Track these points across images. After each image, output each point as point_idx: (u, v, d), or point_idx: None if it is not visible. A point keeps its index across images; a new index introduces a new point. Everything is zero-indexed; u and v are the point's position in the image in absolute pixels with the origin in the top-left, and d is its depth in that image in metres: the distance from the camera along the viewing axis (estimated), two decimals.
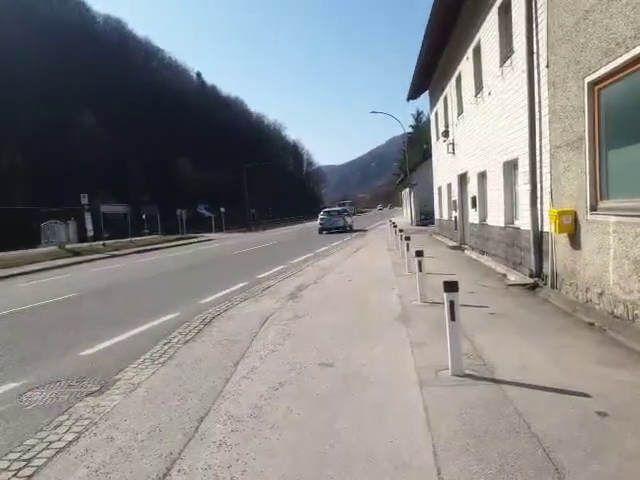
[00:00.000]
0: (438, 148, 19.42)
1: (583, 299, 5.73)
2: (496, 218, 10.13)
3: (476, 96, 11.44)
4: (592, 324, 5.06)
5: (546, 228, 6.99)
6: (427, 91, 21.26)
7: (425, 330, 5.32)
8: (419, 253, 7.03)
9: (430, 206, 24.93)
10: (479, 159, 11.56)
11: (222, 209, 50.91)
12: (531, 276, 7.54)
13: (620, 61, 4.63)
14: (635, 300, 4.54)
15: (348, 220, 32.20)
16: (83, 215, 26.68)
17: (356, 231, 30.29)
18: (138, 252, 25.43)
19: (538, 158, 7.23)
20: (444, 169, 17.97)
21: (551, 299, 6.44)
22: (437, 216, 21.55)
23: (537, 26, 6.90)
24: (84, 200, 25.57)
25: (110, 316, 7.78)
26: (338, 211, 33.16)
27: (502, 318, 5.67)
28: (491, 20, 9.59)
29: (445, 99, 16.50)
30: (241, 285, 9.87)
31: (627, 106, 4.77)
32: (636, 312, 4.53)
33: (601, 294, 5.26)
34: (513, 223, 9.08)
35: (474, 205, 12.33)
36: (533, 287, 7.26)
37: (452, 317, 3.74)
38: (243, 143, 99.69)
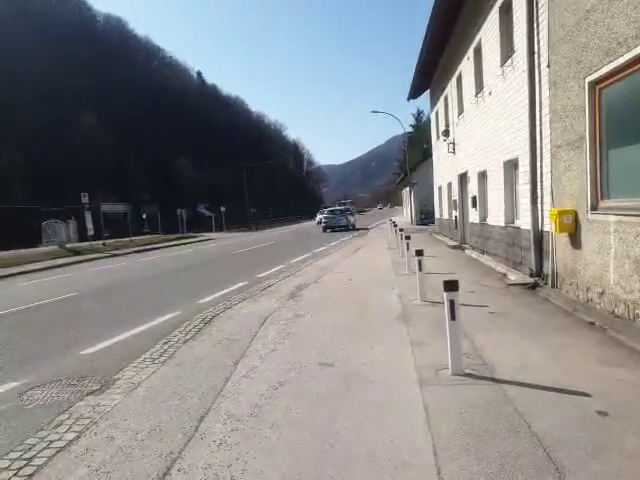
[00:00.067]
0: (438, 147, 19.41)
1: (584, 298, 5.73)
2: (496, 217, 10.13)
3: (477, 95, 11.43)
4: (593, 323, 5.06)
5: (546, 228, 6.99)
6: (428, 91, 21.24)
7: (425, 329, 5.31)
8: (419, 252, 7.03)
9: (430, 205, 24.93)
10: (479, 158, 11.55)
11: (222, 208, 50.93)
12: (531, 275, 7.54)
13: (621, 61, 4.62)
14: (636, 299, 4.54)
15: (351, 219, 32.90)
16: (83, 214, 26.68)
17: (359, 229, 30.88)
18: (138, 251, 25.44)
19: (539, 158, 7.22)
20: (444, 168, 17.96)
21: (551, 298, 6.44)
22: (437, 215, 21.55)
23: (538, 26, 6.90)
24: (84, 199, 25.58)
25: (110, 315, 7.78)
26: (341, 210, 33.88)
27: (502, 317, 5.66)
28: (492, 20, 9.58)
29: (446, 98, 16.48)
30: (241, 285, 9.87)
31: (628, 106, 4.77)
32: (637, 311, 4.53)
33: (602, 293, 5.26)
34: (513, 222, 9.07)
35: (474, 204, 12.33)
36: (533, 286, 7.26)
37: (452, 316, 3.74)
38: (243, 143, 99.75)
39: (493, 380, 3.68)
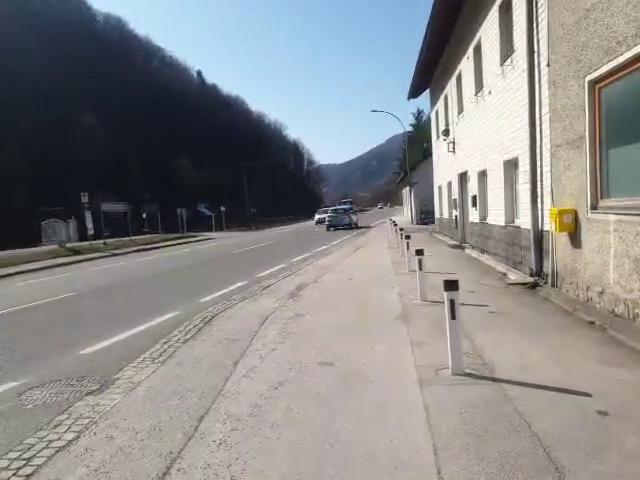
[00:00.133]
0: (438, 147, 19.40)
1: (583, 298, 5.72)
2: (496, 217, 10.12)
3: (476, 95, 11.42)
4: (592, 323, 5.06)
5: (546, 227, 6.98)
6: (427, 90, 21.23)
7: (425, 329, 5.31)
8: (419, 252, 7.02)
9: (430, 205, 24.92)
10: (479, 158, 11.54)
11: (222, 208, 50.93)
12: (531, 275, 7.53)
13: (621, 60, 4.61)
14: (635, 299, 4.53)
15: (354, 218, 33.78)
16: (83, 214, 26.70)
17: (361, 228, 31.61)
18: (138, 251, 25.45)
19: (539, 157, 7.22)
20: (444, 168, 17.96)
21: (551, 298, 6.43)
22: (437, 215, 21.55)
23: (538, 25, 6.89)
24: (84, 199, 25.58)
25: (110, 315, 7.78)
26: (345, 209, 35.09)
27: (502, 317, 5.66)
28: (492, 19, 9.57)
29: (445, 98, 16.48)
30: (241, 284, 9.86)
31: (628, 105, 4.76)
32: (636, 311, 4.52)
33: (601, 293, 5.25)
34: (513, 222, 9.07)
35: (474, 204, 12.32)
36: (533, 286, 7.25)
37: (452, 316, 3.73)
38: (243, 142, 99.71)
39: (493, 380, 3.68)
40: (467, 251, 13.06)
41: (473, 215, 12.78)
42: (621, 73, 4.75)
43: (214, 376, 4.29)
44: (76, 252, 24.10)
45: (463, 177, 14.12)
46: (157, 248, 27.31)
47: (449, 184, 17.04)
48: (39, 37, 72.22)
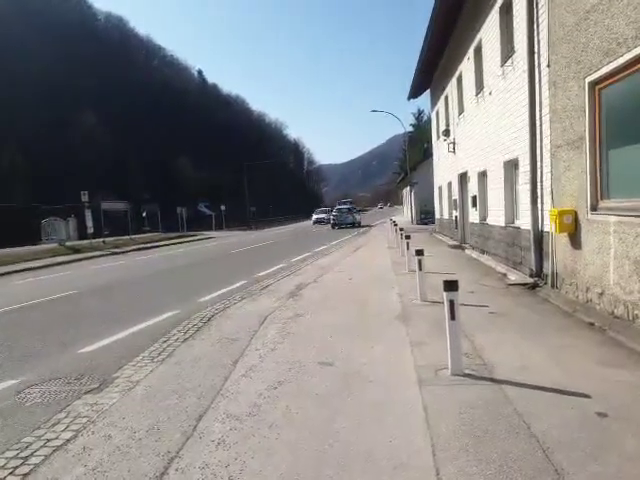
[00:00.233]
0: (439, 147, 19.40)
1: (583, 299, 5.72)
2: (496, 217, 10.12)
3: (477, 95, 11.42)
4: (592, 324, 5.05)
5: (546, 228, 6.98)
6: (428, 90, 21.23)
7: (425, 329, 5.31)
8: (419, 252, 7.02)
9: (430, 205, 24.93)
10: (479, 158, 11.54)
11: (222, 207, 50.94)
12: (531, 276, 7.53)
13: (621, 61, 4.61)
14: (635, 300, 4.53)
15: (357, 217, 35.93)
16: (83, 212, 26.68)
17: (363, 226, 33.38)
18: (138, 250, 25.44)
19: (539, 157, 7.21)
20: (445, 168, 17.95)
21: (551, 299, 6.43)
22: (437, 215, 21.54)
23: (538, 26, 6.88)
24: (84, 197, 25.56)
25: (109, 314, 7.77)
26: (349, 209, 36.96)
27: (502, 318, 5.66)
28: (492, 19, 9.57)
29: (446, 98, 16.47)
30: (240, 284, 9.86)
31: (628, 106, 4.75)
32: (636, 312, 4.52)
33: (601, 294, 5.25)
34: (513, 222, 9.06)
35: (474, 204, 12.32)
36: (533, 287, 7.25)
37: (452, 316, 3.73)
38: (244, 142, 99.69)
39: (493, 380, 3.68)
40: (467, 251, 13.05)
41: (473, 215, 12.77)
42: (621, 74, 4.75)
43: (213, 375, 4.28)
44: (76, 250, 24.09)
45: (463, 177, 14.12)
46: (157, 247, 27.29)
47: (449, 184, 17.04)
48: (40, 37, 72.15)
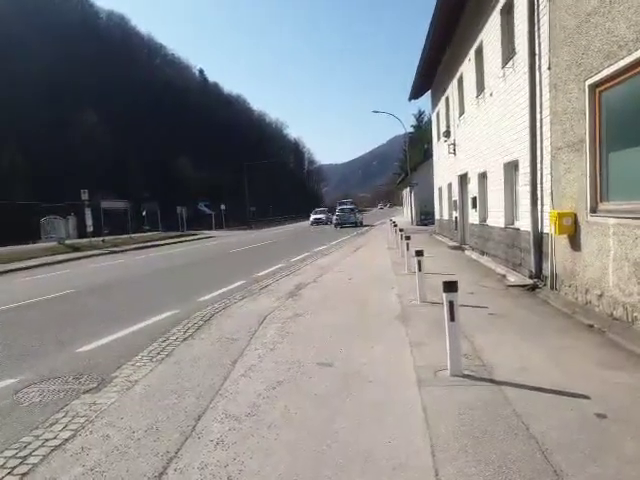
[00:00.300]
0: (439, 148, 19.41)
1: (583, 301, 5.72)
2: (496, 219, 10.12)
3: (478, 97, 11.42)
4: (592, 326, 5.05)
5: (546, 229, 6.98)
6: (429, 91, 21.24)
7: (424, 330, 5.30)
8: (419, 253, 7.02)
9: (430, 206, 24.92)
10: (480, 159, 11.54)
11: (222, 207, 50.92)
12: (531, 277, 7.53)
13: (622, 64, 4.61)
14: (634, 302, 4.53)
15: (359, 217, 37.65)
16: (83, 211, 26.65)
17: (365, 226, 34.69)
18: (137, 249, 25.42)
19: (539, 159, 7.22)
20: (445, 169, 17.96)
21: (551, 300, 6.43)
22: (437, 216, 21.55)
23: (539, 28, 6.88)
24: (84, 196, 25.54)
25: (108, 312, 7.76)
26: (351, 209, 38.39)
27: (502, 319, 5.66)
28: (493, 21, 9.57)
29: (447, 99, 16.48)
30: (240, 283, 9.85)
31: (628, 109, 4.76)
32: (635, 314, 4.52)
33: (601, 296, 5.25)
34: (513, 224, 9.06)
35: (474, 205, 12.32)
36: (533, 288, 7.25)
37: (451, 317, 3.73)
38: (244, 141, 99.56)
39: (492, 381, 3.68)
40: (467, 252, 13.05)
41: (473, 217, 12.78)
42: (622, 77, 4.75)
43: (212, 375, 4.28)
44: (75, 249, 24.08)
45: (463, 179, 14.12)
46: (156, 246, 27.26)
47: (449, 185, 17.04)
48: (40, 36, 71.94)
